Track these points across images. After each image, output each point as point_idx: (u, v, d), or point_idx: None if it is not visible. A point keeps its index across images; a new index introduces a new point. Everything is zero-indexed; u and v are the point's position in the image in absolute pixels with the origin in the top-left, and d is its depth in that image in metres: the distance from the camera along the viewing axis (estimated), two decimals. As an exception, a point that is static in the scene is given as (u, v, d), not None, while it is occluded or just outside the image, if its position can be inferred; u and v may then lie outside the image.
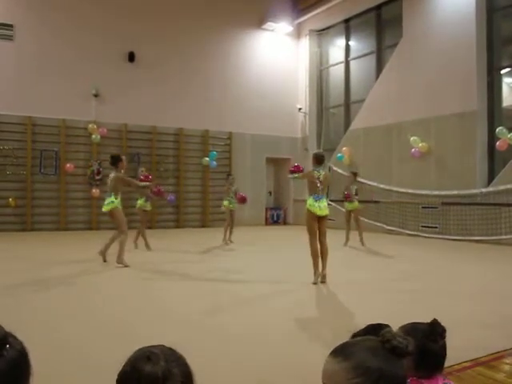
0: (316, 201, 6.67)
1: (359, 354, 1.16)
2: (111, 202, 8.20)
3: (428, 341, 1.76)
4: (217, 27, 17.12)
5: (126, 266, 7.97)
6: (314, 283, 6.53)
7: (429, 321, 1.75)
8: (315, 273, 6.60)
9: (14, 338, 1.14)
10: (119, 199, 8.27)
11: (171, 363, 1.07)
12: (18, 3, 14.18)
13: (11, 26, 14.11)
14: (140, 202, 10.74)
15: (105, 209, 8.33)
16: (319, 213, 6.68)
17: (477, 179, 12.41)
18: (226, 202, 11.42)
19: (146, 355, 1.07)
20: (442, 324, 1.62)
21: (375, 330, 1.23)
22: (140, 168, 11.50)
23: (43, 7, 14.44)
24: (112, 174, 8.33)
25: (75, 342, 3.99)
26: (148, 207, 10.86)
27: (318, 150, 7.42)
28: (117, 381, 1.08)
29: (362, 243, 11.04)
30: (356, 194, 11.32)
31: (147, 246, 10.43)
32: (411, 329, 1.71)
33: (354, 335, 1.25)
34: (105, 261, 8.28)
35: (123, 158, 8.65)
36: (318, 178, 6.75)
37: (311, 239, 6.72)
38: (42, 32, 14.42)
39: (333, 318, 4.97)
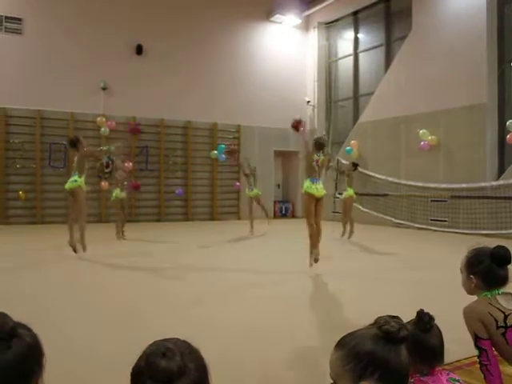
0: (313, 183, 6.91)
1: (352, 341, 1.19)
2: (74, 181, 8.12)
3: (418, 331, 1.80)
4: (225, 20, 17.07)
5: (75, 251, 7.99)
6: (311, 265, 6.79)
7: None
8: (311, 253, 6.82)
9: (27, 329, 1.14)
10: (83, 178, 8.22)
11: (186, 357, 1.07)
12: (26, -3, 14.21)
13: (20, 19, 14.14)
14: (115, 192, 10.72)
15: (67, 186, 8.21)
16: (317, 194, 6.89)
17: (486, 172, 12.33)
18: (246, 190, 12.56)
19: (161, 350, 1.07)
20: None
21: None
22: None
23: (51, 0, 14.45)
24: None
25: (83, 336, 4.03)
26: (123, 196, 10.88)
27: (319, 136, 7.66)
28: (131, 375, 1.08)
29: (349, 235, 10.95)
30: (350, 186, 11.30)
31: (121, 234, 10.48)
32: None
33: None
34: (75, 251, 8.07)
35: (81, 138, 8.51)
36: (317, 162, 7.01)
37: (309, 220, 6.93)
38: (50, 26, 14.44)
39: (334, 309, 4.97)
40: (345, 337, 1.25)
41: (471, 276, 2.33)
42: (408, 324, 1.57)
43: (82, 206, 8.22)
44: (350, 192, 11.22)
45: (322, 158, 7.05)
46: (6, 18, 13.96)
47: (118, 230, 10.78)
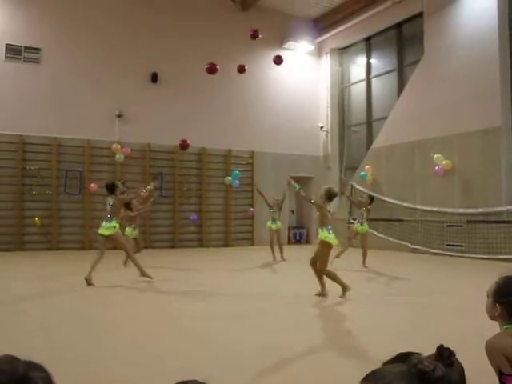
0: (329, 232, 6.94)
1: (386, 378, 1.15)
2: (113, 227, 8.15)
3: None
4: (238, 47, 17.28)
5: (150, 278, 8.23)
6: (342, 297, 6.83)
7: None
8: (345, 288, 6.84)
9: (40, 370, 1.04)
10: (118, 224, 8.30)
11: None
12: (45, 28, 14.56)
13: (38, 49, 14.49)
14: (128, 230, 10.28)
15: (105, 233, 8.20)
16: (335, 243, 7.00)
17: (502, 196, 12.19)
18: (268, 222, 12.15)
19: None
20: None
21: (406, 357, 1.22)
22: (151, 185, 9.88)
23: (69, 31, 14.80)
24: (111, 199, 8.29)
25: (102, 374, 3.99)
26: (135, 234, 10.49)
27: (332, 187, 7.57)
28: None
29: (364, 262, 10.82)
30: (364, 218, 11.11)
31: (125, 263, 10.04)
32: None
33: (385, 363, 1.24)
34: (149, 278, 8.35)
35: (118, 183, 8.61)
36: (329, 211, 7.12)
37: (326, 267, 6.96)
38: (66, 55, 14.76)
39: (354, 334, 4.89)
40: (374, 372, 1.21)
41: (497, 304, 2.27)
42: (428, 358, 1.54)
43: (125, 246, 8.35)
44: (365, 227, 11.08)
45: (331, 207, 7.23)
46: (25, 47, 14.33)
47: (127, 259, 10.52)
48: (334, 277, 6.90)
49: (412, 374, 1.14)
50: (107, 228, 8.18)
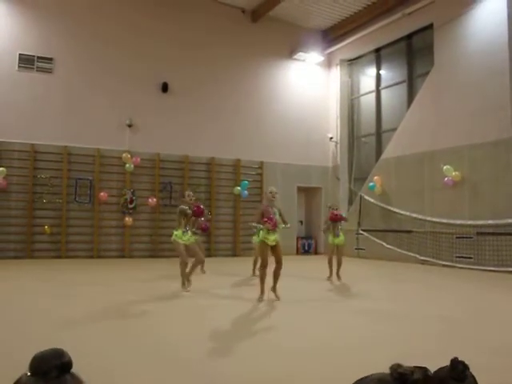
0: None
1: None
2: (174, 234, 8.30)
3: (452, 380, 1.73)
4: (249, 57, 17.45)
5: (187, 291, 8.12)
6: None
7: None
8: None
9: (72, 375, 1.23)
10: (180, 232, 8.27)
11: None
12: (58, 38, 14.75)
13: (51, 59, 14.67)
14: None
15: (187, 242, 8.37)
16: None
17: (513, 208, 12.13)
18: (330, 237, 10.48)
19: None
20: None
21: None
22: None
23: (81, 41, 14.98)
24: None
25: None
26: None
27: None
28: None
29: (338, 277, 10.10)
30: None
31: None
32: (435, 371, 1.70)
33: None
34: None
35: (185, 193, 8.76)
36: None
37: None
38: (78, 65, 14.94)
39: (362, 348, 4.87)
40: (358, 381, 1.26)
41: None
42: (442, 371, 1.55)
43: (180, 253, 8.29)
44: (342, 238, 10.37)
45: None
46: (38, 57, 14.51)
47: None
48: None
49: (393, 379, 1.19)
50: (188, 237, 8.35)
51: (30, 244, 14.09)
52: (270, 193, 7.65)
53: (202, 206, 8.58)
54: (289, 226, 7.86)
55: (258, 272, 10.65)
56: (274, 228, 7.44)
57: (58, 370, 1.17)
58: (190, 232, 8.43)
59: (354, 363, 3.98)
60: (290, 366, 4.04)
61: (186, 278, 8.25)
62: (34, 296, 7.66)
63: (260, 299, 7.38)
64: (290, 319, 6.23)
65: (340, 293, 8.80)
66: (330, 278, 10.10)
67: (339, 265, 10.05)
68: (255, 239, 11.10)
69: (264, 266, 7.52)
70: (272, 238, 7.57)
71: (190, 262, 8.42)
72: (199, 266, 10.16)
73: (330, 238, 10.30)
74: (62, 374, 1.18)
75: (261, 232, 7.66)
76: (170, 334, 5.27)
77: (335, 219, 10.19)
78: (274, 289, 7.65)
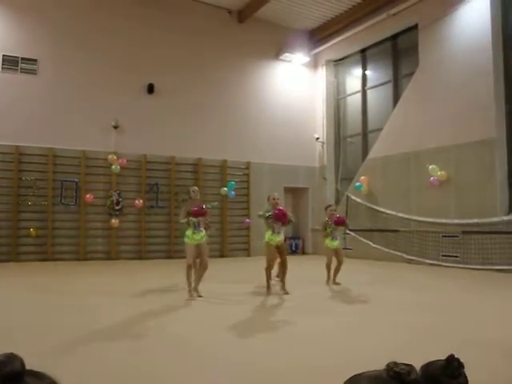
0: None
1: (362, 382, 1.18)
2: (186, 236, 8.07)
3: (445, 377, 1.73)
4: (235, 59, 17.43)
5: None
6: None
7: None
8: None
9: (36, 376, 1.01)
10: (189, 232, 7.95)
11: None
12: (42, 39, 14.60)
13: (35, 60, 14.52)
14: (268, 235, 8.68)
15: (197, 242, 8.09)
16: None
17: (497, 207, 12.24)
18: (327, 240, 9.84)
19: None
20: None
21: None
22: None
23: (65, 42, 14.84)
24: None
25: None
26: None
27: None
28: None
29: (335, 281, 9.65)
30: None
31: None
32: (427, 364, 1.69)
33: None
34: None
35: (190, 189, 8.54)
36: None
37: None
38: (63, 66, 14.81)
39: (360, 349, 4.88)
40: (351, 378, 1.24)
41: None
42: (435, 366, 1.56)
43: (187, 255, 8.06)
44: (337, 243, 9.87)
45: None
46: (22, 59, 14.34)
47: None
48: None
49: (389, 378, 1.17)
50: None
51: (15, 247, 13.94)
52: (274, 199, 8.39)
53: (203, 207, 8.19)
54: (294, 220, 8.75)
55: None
56: (284, 219, 8.09)
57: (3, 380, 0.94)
58: (202, 230, 8.10)
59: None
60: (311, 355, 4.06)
61: (193, 289, 7.87)
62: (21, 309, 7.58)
63: (268, 292, 8.04)
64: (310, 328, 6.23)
65: (347, 298, 8.77)
66: (328, 282, 9.55)
67: (339, 269, 9.52)
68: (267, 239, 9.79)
69: (269, 268, 8.11)
70: (278, 239, 8.06)
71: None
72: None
73: (329, 241, 9.62)
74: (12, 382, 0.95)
75: (266, 234, 8.19)
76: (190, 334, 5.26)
77: (339, 223, 9.76)
78: (283, 287, 8.17)
